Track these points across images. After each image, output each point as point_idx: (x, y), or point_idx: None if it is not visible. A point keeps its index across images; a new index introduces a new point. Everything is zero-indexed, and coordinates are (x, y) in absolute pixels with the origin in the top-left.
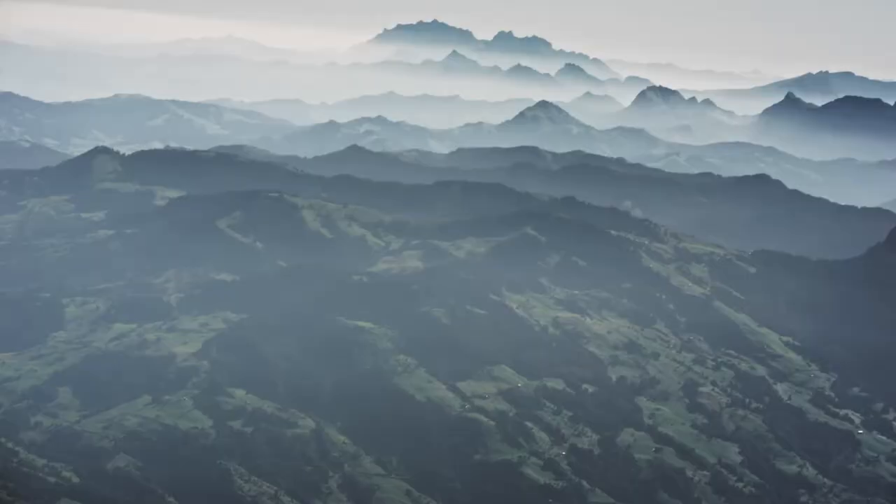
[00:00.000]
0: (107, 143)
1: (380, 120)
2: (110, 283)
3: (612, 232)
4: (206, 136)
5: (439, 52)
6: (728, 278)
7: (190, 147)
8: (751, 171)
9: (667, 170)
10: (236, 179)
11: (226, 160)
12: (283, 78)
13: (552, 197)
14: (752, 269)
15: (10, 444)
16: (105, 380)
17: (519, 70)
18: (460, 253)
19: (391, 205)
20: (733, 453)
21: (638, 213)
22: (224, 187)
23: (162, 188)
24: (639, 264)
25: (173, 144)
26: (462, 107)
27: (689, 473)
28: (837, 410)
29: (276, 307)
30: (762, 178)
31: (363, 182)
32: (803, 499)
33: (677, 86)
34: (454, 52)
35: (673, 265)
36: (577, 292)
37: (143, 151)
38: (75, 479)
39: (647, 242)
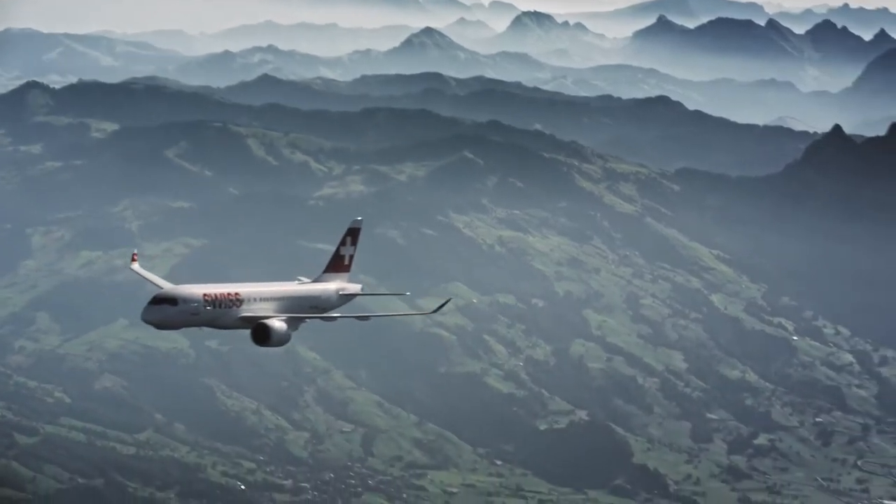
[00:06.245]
0: (4, 77)
1: (271, 49)
2: (69, 212)
3: (545, 154)
4: (101, 67)
5: None
6: (655, 196)
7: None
8: (636, 92)
9: (561, 92)
10: (167, 110)
11: (153, 92)
12: (159, 8)
13: (475, 121)
14: (677, 187)
15: (0, 368)
16: (80, 305)
17: None
18: (402, 177)
19: (322, 132)
20: (678, 360)
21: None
22: (157, 119)
23: (96, 121)
24: (572, 184)
25: (71, 77)
26: (341, 34)
27: (640, 381)
28: (771, 319)
29: (235, 233)
30: (663, 100)
31: (291, 111)
32: (748, 402)
33: (535, 8)
34: None
35: (603, 184)
36: (517, 212)
37: (73, 85)
38: (67, 400)
39: (576, 163)
